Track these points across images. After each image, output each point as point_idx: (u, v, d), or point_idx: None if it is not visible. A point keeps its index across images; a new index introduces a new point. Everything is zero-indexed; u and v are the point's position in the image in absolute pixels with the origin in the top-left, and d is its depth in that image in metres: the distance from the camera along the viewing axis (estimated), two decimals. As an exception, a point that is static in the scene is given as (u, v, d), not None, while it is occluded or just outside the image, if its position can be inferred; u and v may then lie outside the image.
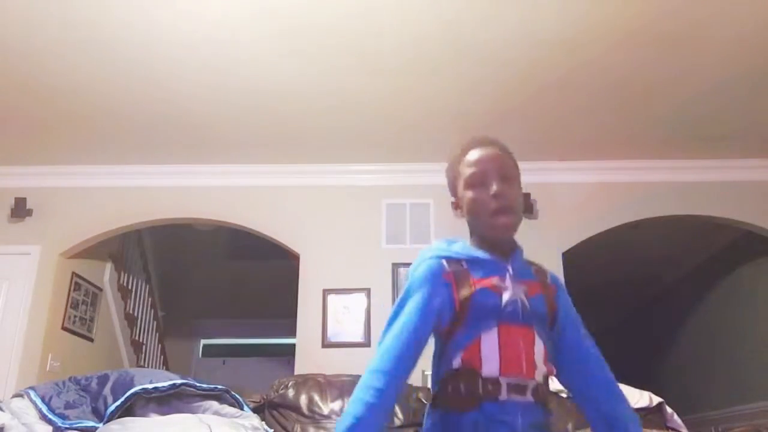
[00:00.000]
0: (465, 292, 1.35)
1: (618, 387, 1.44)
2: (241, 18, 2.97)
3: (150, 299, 6.09)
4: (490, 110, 3.75)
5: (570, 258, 4.28)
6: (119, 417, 2.37)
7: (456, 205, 1.51)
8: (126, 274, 5.44)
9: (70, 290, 4.44)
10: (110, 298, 5.12)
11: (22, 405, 2.48)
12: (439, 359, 1.38)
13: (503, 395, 1.31)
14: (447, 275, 1.38)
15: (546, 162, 4.37)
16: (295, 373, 3.92)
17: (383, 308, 4.04)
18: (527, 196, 4.33)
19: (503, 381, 1.31)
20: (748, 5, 2.87)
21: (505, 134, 3.92)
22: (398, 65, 3.34)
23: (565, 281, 4.18)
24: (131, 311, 5.54)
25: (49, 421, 2.38)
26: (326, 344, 4.10)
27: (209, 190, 4.47)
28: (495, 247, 1.42)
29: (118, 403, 2.42)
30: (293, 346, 4.21)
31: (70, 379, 2.72)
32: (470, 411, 1.31)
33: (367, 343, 4.04)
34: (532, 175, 4.39)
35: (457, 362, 1.34)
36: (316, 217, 4.39)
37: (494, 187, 1.39)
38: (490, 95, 3.60)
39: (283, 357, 6.93)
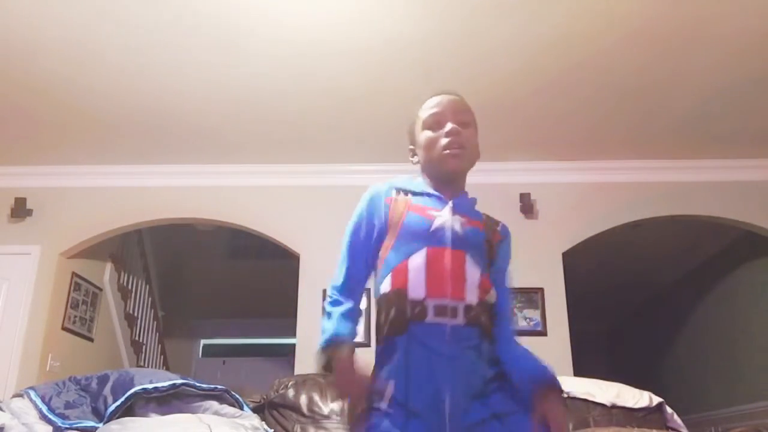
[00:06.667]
0: (398, 213, 1.44)
1: (517, 345, 1.43)
2: (243, 19, 2.98)
3: (150, 299, 6.08)
4: (488, 110, 3.74)
5: (570, 258, 4.27)
6: (119, 417, 2.37)
7: (412, 152, 1.59)
8: (126, 274, 5.43)
9: (70, 290, 4.44)
10: (110, 298, 5.11)
11: (22, 405, 2.48)
12: (378, 285, 1.43)
13: (430, 317, 1.31)
14: (388, 199, 1.47)
15: (546, 162, 4.37)
16: (295, 373, 3.91)
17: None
18: (527, 196, 4.33)
19: (429, 303, 1.32)
20: (751, 4, 2.87)
21: (505, 134, 4.02)
22: (398, 66, 3.34)
23: (566, 281, 4.19)
24: (131, 311, 5.54)
25: (49, 421, 2.38)
26: (326, 344, 4.09)
27: (209, 190, 4.47)
28: (443, 187, 1.49)
29: (118, 403, 2.42)
30: (293, 346, 4.21)
31: (70, 379, 2.72)
32: (402, 334, 1.33)
33: (367, 343, 4.01)
34: (532, 175, 4.40)
35: (386, 286, 1.38)
36: (316, 217, 4.38)
37: (448, 126, 1.46)
38: (489, 95, 3.60)
39: (283, 357, 6.93)
